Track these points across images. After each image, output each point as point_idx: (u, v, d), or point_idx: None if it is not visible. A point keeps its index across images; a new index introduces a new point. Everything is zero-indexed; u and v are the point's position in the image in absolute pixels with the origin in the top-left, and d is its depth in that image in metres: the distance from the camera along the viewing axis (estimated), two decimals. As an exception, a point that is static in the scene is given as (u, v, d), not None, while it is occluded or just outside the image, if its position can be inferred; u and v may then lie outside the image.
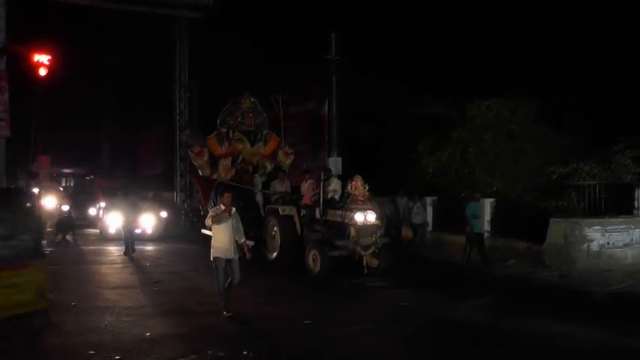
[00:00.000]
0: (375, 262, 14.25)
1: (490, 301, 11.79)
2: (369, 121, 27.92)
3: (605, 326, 9.73)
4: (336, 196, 15.84)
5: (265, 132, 20.33)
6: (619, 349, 8.54)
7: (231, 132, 19.69)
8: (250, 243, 9.88)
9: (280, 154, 20.14)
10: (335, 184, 16.29)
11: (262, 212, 17.87)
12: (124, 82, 35.32)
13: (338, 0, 31.33)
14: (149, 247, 20.12)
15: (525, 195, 19.81)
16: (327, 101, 24.79)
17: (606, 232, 15.41)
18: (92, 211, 27.07)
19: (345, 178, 16.88)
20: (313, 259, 14.17)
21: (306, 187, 16.68)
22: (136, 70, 30.98)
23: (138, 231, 20.90)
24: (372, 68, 27.81)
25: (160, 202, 25.27)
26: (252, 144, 19.95)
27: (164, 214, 24.00)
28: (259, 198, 18.41)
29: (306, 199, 16.03)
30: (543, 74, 25.46)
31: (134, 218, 19.03)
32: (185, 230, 24.96)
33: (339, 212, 14.45)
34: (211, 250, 10.16)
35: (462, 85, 24.43)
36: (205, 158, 19.39)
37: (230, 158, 19.58)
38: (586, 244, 15.11)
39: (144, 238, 21.51)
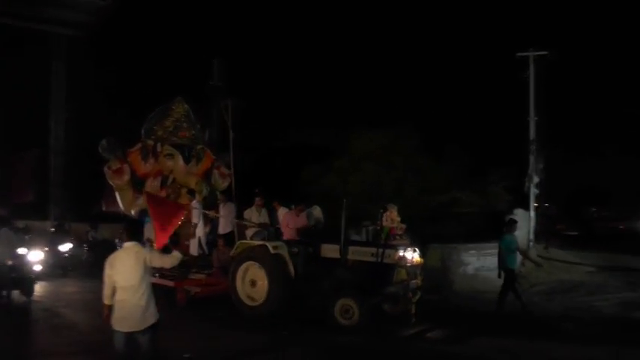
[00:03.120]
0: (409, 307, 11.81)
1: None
2: (253, 149, 27.77)
3: (481, 344, 10.11)
4: (320, 226, 13.26)
5: (199, 147, 16.26)
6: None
7: (159, 145, 15.56)
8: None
9: (216, 174, 16.23)
10: (318, 212, 13.66)
11: (205, 249, 15.03)
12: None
13: (223, 29, 31.25)
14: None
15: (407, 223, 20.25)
16: (207, 129, 24.33)
17: (481, 256, 15.94)
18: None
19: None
20: (344, 309, 11.11)
21: (282, 216, 13.55)
22: (8, 89, 29.19)
23: None
24: (256, 97, 27.77)
25: (60, 234, 22.50)
26: (187, 161, 15.90)
27: (66, 246, 21.35)
28: (200, 231, 14.88)
29: (287, 233, 12.95)
30: (425, 108, 26.39)
31: (8, 253, 14.32)
32: (88, 265, 20.78)
33: (372, 250, 11.52)
34: (153, 308, 6.84)
35: (345, 117, 24.89)
36: (126, 178, 15.18)
37: (159, 178, 15.45)
38: (462, 268, 15.54)
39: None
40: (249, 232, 13.72)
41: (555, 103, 23.98)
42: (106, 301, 6.70)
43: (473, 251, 15.93)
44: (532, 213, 20.51)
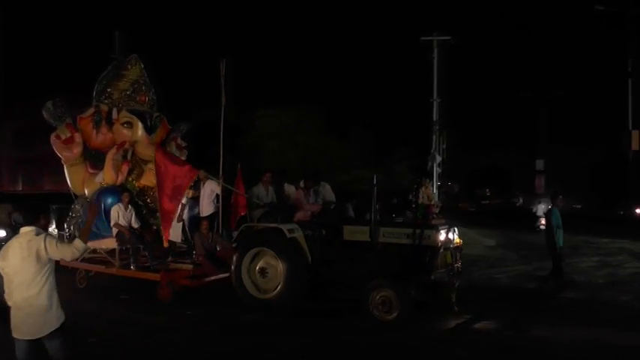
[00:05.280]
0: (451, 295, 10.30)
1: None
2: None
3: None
4: (332, 206, 11.80)
5: (156, 115, 13.58)
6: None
7: (115, 111, 12.90)
8: None
9: (173, 146, 13.66)
10: (328, 191, 12.00)
11: (189, 235, 12.52)
12: None
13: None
14: None
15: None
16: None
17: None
18: None
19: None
20: (382, 301, 9.52)
21: (295, 194, 11.71)
22: None
23: None
24: (159, 71, 27.04)
25: None
26: (150, 130, 13.21)
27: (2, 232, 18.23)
28: (185, 214, 12.41)
29: (302, 214, 11.26)
30: (330, 89, 26.54)
31: None
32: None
33: (407, 231, 9.91)
34: (57, 309, 5.41)
35: (249, 94, 24.60)
36: (78, 149, 12.73)
37: (121, 151, 12.82)
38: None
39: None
40: (257, 214, 11.71)
41: (457, 86, 24.63)
42: (10, 301, 5.37)
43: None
44: (435, 191, 21.04)
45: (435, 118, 22.51)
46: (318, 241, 10.52)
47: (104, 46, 23.30)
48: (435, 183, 21.17)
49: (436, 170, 21.39)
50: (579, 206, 35.34)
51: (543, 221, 23.22)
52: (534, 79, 39.08)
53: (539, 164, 37.60)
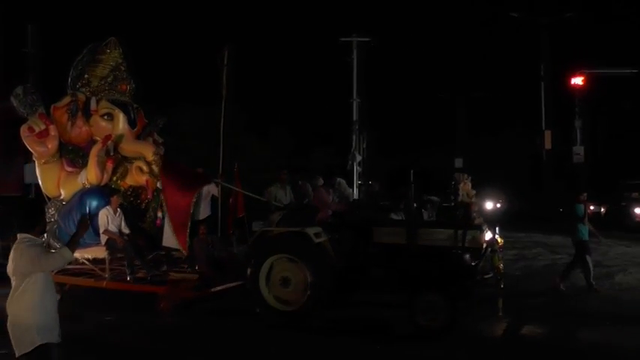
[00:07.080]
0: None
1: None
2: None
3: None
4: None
5: (135, 106, 12.10)
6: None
7: (94, 101, 11.35)
8: None
9: (150, 142, 12.07)
10: (344, 188, 11.37)
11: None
12: None
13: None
14: None
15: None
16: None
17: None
18: None
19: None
20: (428, 307, 8.79)
21: (318, 193, 10.56)
22: None
23: None
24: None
25: None
26: (133, 124, 11.73)
27: None
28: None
29: (323, 213, 10.16)
30: (250, 88, 26.39)
31: None
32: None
33: (448, 232, 9.21)
34: (34, 329, 4.81)
35: (167, 92, 24.14)
36: (53, 144, 11.20)
37: (105, 147, 11.25)
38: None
39: None
40: (275, 217, 10.65)
41: (376, 86, 24.91)
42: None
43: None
44: (355, 190, 21.17)
45: (354, 118, 22.76)
46: (346, 245, 9.59)
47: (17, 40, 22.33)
48: (355, 182, 21.34)
49: (356, 169, 21.61)
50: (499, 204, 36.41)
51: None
52: (453, 81, 40.08)
53: (458, 163, 38.87)
